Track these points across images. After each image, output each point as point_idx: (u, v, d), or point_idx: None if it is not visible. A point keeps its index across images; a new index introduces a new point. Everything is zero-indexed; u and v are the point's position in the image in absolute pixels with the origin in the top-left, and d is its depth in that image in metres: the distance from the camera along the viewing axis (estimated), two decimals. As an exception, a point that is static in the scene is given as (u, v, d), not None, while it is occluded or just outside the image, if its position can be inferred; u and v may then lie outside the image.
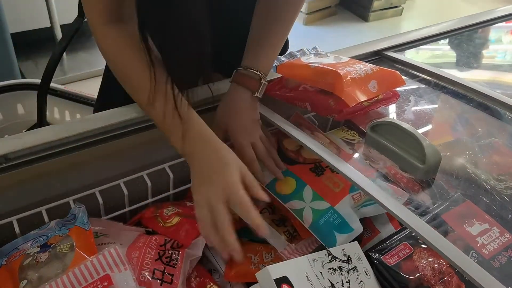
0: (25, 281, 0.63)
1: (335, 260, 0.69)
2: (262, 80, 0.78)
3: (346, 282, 0.67)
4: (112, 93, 1.00)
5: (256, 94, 0.78)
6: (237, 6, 0.91)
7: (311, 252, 0.77)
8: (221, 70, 0.99)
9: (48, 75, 1.32)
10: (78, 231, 0.69)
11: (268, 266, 0.62)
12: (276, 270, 0.63)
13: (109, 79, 1.02)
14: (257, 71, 0.77)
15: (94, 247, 0.67)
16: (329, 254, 0.70)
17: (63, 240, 0.67)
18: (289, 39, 1.09)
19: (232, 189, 0.62)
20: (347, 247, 0.72)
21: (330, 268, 0.68)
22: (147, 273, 0.65)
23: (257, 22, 0.80)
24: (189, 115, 0.65)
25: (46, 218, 0.73)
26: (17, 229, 0.72)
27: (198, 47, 0.63)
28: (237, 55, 0.93)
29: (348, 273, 0.68)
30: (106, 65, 0.64)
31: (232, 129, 0.75)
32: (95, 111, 1.10)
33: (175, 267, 0.68)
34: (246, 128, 0.76)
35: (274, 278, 0.61)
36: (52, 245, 0.67)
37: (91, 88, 1.10)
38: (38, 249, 0.67)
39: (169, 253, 0.70)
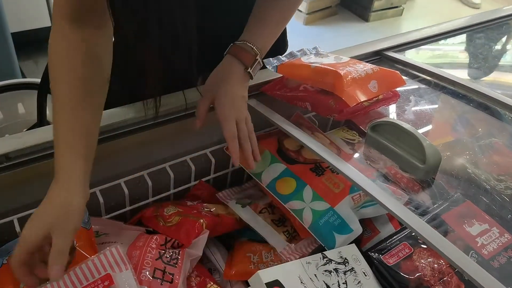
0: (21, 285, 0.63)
1: (331, 263, 0.69)
2: (257, 57, 0.76)
3: (343, 283, 0.67)
4: (109, 92, 1.01)
5: (248, 70, 0.76)
6: (235, 7, 0.91)
7: (311, 253, 0.77)
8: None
9: (48, 75, 1.32)
10: (79, 230, 0.69)
11: (259, 271, 0.63)
12: (267, 274, 0.63)
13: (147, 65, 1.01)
14: (253, 46, 0.75)
15: (95, 246, 0.67)
16: (324, 257, 0.70)
17: None
18: (289, 39, 1.10)
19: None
20: (344, 250, 0.73)
21: (325, 271, 0.68)
22: (147, 273, 0.65)
23: (261, 1, 0.79)
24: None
25: (46, 218, 0.73)
26: (17, 228, 0.72)
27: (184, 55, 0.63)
28: None
29: (344, 274, 0.68)
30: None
31: (220, 99, 0.73)
32: None
33: (176, 267, 0.68)
34: (233, 102, 0.74)
35: (265, 282, 0.62)
36: None
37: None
38: None
39: (169, 252, 0.70)
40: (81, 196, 0.60)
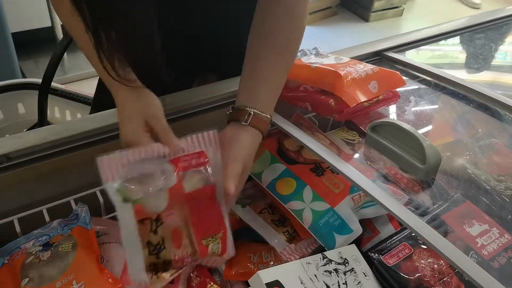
0: (26, 279, 0.63)
1: (331, 263, 0.69)
2: (270, 121, 0.74)
3: (343, 283, 0.67)
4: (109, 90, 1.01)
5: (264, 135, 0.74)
6: (229, 7, 0.92)
7: (311, 253, 0.77)
8: (215, 71, 1.01)
9: (49, 75, 1.32)
10: (80, 230, 0.69)
11: (259, 271, 0.63)
12: (267, 274, 0.63)
13: None
14: (268, 115, 0.72)
15: (96, 247, 0.67)
16: (324, 257, 0.70)
17: (65, 239, 0.68)
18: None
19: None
20: (344, 250, 0.73)
21: (325, 271, 0.68)
22: (147, 273, 0.65)
23: (259, 60, 0.75)
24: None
25: (47, 218, 0.73)
26: (18, 228, 0.72)
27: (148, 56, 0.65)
28: (229, 56, 0.94)
29: (345, 275, 0.68)
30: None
31: (248, 168, 0.71)
32: (92, 109, 1.10)
33: (176, 267, 0.68)
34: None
35: (266, 282, 0.62)
36: (54, 244, 0.67)
37: (92, 88, 1.10)
38: (40, 248, 0.67)
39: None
40: (145, 91, 0.67)
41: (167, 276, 0.60)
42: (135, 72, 0.68)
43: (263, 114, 0.71)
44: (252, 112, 0.70)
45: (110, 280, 0.63)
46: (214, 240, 0.63)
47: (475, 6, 4.33)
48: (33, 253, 0.66)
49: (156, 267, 0.60)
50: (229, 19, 0.92)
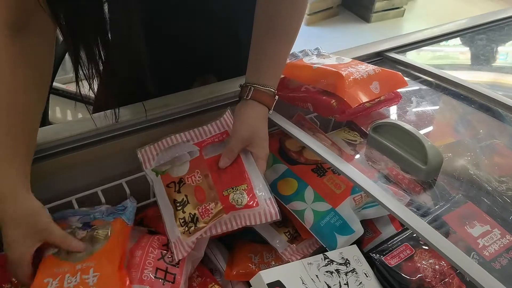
0: (55, 250, 0.66)
1: (332, 263, 0.69)
2: (276, 97, 0.80)
3: (345, 284, 0.67)
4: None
5: (271, 111, 0.79)
6: (227, 10, 0.92)
7: (312, 253, 0.77)
8: (214, 72, 1.02)
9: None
10: (120, 224, 0.70)
11: (260, 271, 0.63)
12: (268, 274, 0.63)
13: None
14: (273, 89, 0.78)
15: (126, 245, 0.68)
16: (326, 258, 0.70)
17: (103, 227, 0.69)
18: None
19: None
20: (345, 251, 0.73)
21: (326, 271, 0.68)
22: (149, 272, 0.65)
23: (262, 40, 0.80)
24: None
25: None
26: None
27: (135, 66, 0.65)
28: (228, 58, 0.95)
29: (346, 275, 0.68)
30: (104, 64, 0.64)
31: (259, 142, 0.77)
32: (94, 110, 1.10)
33: (178, 267, 0.68)
34: (267, 142, 0.78)
35: (267, 282, 0.62)
36: (93, 227, 0.69)
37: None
38: (80, 226, 0.70)
39: (171, 252, 0.70)
40: (31, 198, 0.65)
41: (197, 229, 0.69)
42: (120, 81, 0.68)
43: (264, 88, 0.77)
44: (252, 87, 0.77)
45: (125, 281, 0.63)
46: (236, 190, 0.71)
47: None
48: (72, 227, 0.69)
49: (185, 222, 0.70)
50: (220, 20, 0.93)
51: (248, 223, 0.71)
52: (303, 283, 0.64)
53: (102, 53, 0.60)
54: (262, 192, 0.72)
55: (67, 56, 2.88)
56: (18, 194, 0.63)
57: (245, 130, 0.75)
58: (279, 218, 0.71)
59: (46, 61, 0.69)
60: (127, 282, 0.62)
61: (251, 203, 0.70)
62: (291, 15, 0.78)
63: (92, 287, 0.61)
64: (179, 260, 0.69)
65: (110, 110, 0.74)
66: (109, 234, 0.67)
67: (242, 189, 0.71)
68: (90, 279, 0.62)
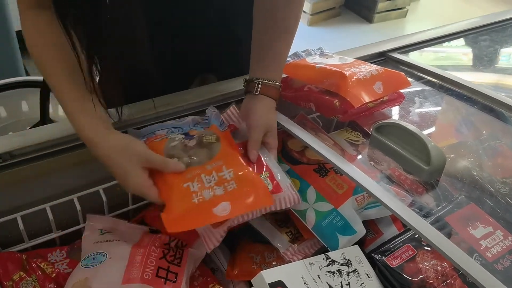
0: (176, 159, 0.68)
1: (334, 264, 0.69)
2: (280, 88, 0.83)
3: (346, 284, 0.67)
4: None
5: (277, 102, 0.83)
6: (226, 10, 0.92)
7: (314, 254, 0.77)
8: (214, 72, 1.02)
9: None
10: (216, 130, 0.74)
11: (262, 271, 0.63)
12: (270, 274, 0.63)
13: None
14: (278, 83, 0.81)
15: (235, 144, 0.73)
16: (327, 258, 0.69)
17: (207, 133, 0.72)
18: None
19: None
20: (347, 251, 0.72)
21: (328, 271, 0.67)
22: (151, 271, 0.65)
23: (264, 37, 0.82)
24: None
25: (50, 215, 0.74)
26: (21, 226, 0.72)
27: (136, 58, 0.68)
28: (228, 57, 0.95)
29: (348, 275, 0.68)
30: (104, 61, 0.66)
31: (273, 130, 0.80)
32: None
33: (179, 266, 0.68)
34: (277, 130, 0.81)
35: (269, 282, 0.62)
36: (195, 136, 0.71)
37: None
38: (183, 136, 0.72)
39: (173, 252, 0.70)
40: (116, 133, 0.68)
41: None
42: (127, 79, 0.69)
43: (271, 83, 0.80)
44: (260, 83, 0.79)
45: (255, 172, 0.68)
46: (265, 178, 0.73)
47: None
48: (176, 139, 0.71)
49: None
50: (219, 19, 0.93)
51: (273, 209, 0.73)
52: (304, 283, 0.64)
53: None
54: (282, 178, 0.75)
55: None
56: (104, 135, 0.66)
57: (262, 122, 0.77)
58: (300, 202, 0.76)
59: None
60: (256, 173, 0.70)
61: (276, 189, 0.72)
62: (289, 8, 0.80)
63: (232, 181, 0.66)
64: (181, 260, 0.69)
65: (113, 109, 0.75)
66: (218, 137, 0.71)
67: (266, 176, 0.73)
68: (227, 175, 0.66)
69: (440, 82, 1.02)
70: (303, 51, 0.95)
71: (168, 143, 0.71)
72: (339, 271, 0.68)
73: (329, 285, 0.65)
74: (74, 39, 0.62)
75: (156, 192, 0.65)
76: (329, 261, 0.69)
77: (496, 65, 1.27)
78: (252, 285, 0.65)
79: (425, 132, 0.84)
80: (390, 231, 0.83)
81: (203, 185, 0.65)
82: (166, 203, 0.64)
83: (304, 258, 0.70)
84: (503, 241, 0.67)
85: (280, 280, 0.63)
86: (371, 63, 0.89)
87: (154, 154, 0.67)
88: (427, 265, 0.71)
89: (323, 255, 0.70)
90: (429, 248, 0.74)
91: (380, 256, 0.73)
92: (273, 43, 0.81)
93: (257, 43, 0.81)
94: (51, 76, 0.68)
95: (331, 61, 0.87)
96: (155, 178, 0.67)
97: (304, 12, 3.70)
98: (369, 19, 3.92)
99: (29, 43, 0.68)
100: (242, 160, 0.70)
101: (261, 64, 0.81)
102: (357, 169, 0.70)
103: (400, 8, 4.00)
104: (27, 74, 2.48)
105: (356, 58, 0.91)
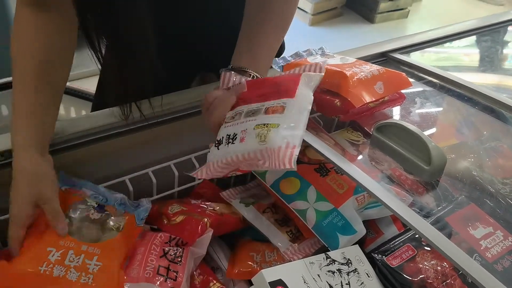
0: (67, 220, 0.66)
1: (334, 263, 0.69)
2: None
3: (346, 284, 0.67)
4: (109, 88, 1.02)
5: None
6: (227, 7, 0.92)
7: (314, 253, 0.77)
8: (214, 71, 1.01)
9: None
10: (131, 220, 0.70)
11: (262, 270, 0.63)
12: (270, 273, 0.63)
13: (105, 74, 1.03)
14: (256, 73, 0.78)
15: (132, 245, 0.68)
16: (327, 257, 0.70)
17: (118, 217, 0.69)
18: (294, 40, 1.10)
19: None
20: (347, 250, 0.72)
21: (328, 271, 0.68)
22: (152, 270, 0.66)
23: (256, 29, 0.80)
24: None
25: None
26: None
27: (144, 52, 0.67)
28: (229, 56, 0.95)
29: (348, 275, 0.68)
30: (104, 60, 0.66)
31: None
32: (93, 107, 1.11)
33: (180, 264, 0.69)
34: None
35: (269, 281, 0.62)
36: (107, 213, 0.69)
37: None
38: (96, 206, 0.69)
39: (174, 250, 0.70)
40: (46, 161, 0.67)
41: None
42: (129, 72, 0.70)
43: (249, 71, 0.77)
44: (255, 76, 0.77)
45: (122, 282, 0.62)
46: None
47: (498, 3, 4.33)
48: (88, 203, 0.69)
49: None
50: (220, 17, 0.93)
51: None
52: (304, 282, 0.64)
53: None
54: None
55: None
56: (31, 150, 0.65)
57: None
58: None
59: (67, 35, 0.71)
60: (124, 284, 0.62)
61: None
62: (287, 4, 0.79)
63: (91, 275, 0.60)
64: (182, 258, 0.69)
65: (116, 108, 0.75)
66: (122, 227, 0.67)
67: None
68: (92, 266, 0.61)
69: (441, 83, 1.02)
70: (304, 51, 0.94)
71: (78, 203, 0.69)
72: (339, 270, 0.68)
73: (329, 284, 0.66)
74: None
75: (15, 233, 0.62)
76: (329, 261, 0.69)
77: (497, 66, 1.27)
78: (252, 284, 0.65)
79: (426, 132, 0.84)
80: (390, 231, 0.83)
81: (63, 260, 0.61)
82: (20, 253, 0.62)
83: (304, 258, 0.70)
84: (503, 241, 0.67)
85: (280, 279, 0.63)
86: (372, 63, 0.89)
87: (57, 201, 0.65)
88: (427, 265, 0.71)
89: (323, 255, 0.70)
90: (429, 248, 0.74)
91: (380, 255, 0.73)
92: (266, 37, 0.79)
93: (248, 33, 0.80)
94: (21, 74, 0.67)
95: (332, 61, 0.87)
96: (37, 220, 0.65)
97: (306, 12, 3.70)
98: (370, 20, 3.92)
99: (15, 36, 0.68)
100: (121, 262, 0.65)
101: (254, 56, 0.79)
102: (357, 169, 0.70)
103: (402, 9, 4.00)
104: (29, 73, 2.48)
105: (357, 58, 0.91)
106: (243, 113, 0.68)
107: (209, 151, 0.68)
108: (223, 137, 0.66)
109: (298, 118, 0.65)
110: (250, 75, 0.77)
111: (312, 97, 0.69)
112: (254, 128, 0.64)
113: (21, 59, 0.67)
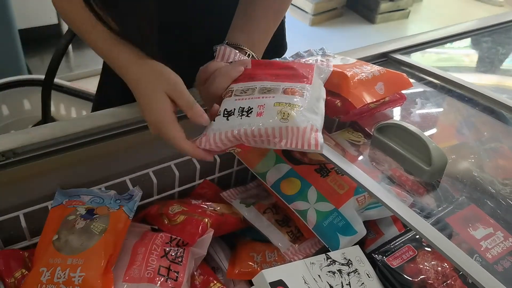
0: (56, 236, 0.66)
1: (334, 264, 0.69)
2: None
3: (347, 284, 0.67)
4: (110, 87, 1.01)
5: None
6: (227, 5, 0.92)
7: (314, 253, 0.77)
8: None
9: (52, 70, 1.31)
10: (119, 215, 0.70)
11: (263, 270, 0.63)
12: (271, 273, 0.63)
13: (106, 73, 1.03)
14: (250, 51, 0.79)
15: (122, 238, 0.68)
16: (328, 258, 0.70)
17: (101, 218, 0.68)
18: (294, 40, 1.10)
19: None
20: (348, 251, 0.73)
21: (329, 271, 0.68)
22: (152, 270, 0.66)
23: (253, 5, 0.81)
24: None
25: (52, 213, 0.74)
26: (23, 224, 0.72)
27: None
28: None
29: (348, 275, 0.68)
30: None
31: None
32: (94, 107, 1.11)
33: (181, 265, 0.69)
34: None
35: (269, 281, 0.62)
36: (94, 216, 0.69)
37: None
38: (84, 213, 0.69)
39: (174, 250, 0.70)
40: (156, 63, 0.67)
41: None
42: None
43: (243, 47, 0.78)
44: (251, 54, 0.77)
45: (102, 285, 0.62)
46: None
47: (497, 4, 4.34)
48: (76, 213, 0.68)
49: None
50: (220, 16, 0.93)
51: None
52: (305, 282, 0.64)
53: None
54: None
55: (72, 52, 2.89)
56: (137, 59, 0.66)
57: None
58: None
59: None
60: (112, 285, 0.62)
61: None
62: None
63: (77, 287, 0.60)
64: (182, 258, 0.69)
65: (116, 108, 0.75)
66: (106, 228, 0.67)
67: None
68: (76, 279, 0.61)
69: (442, 83, 1.02)
70: (305, 52, 0.95)
71: (67, 216, 0.69)
72: (339, 271, 0.68)
73: (329, 284, 0.66)
74: None
75: (184, 139, 0.64)
76: (330, 261, 0.69)
77: (497, 67, 1.27)
78: (252, 284, 0.65)
79: (426, 133, 0.85)
80: (391, 231, 0.83)
81: (52, 278, 0.61)
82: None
83: (305, 258, 0.70)
84: (504, 242, 0.67)
85: (281, 280, 0.63)
86: (373, 64, 0.89)
87: (187, 92, 0.65)
88: (428, 266, 0.71)
89: (323, 255, 0.70)
90: (429, 249, 0.74)
91: (380, 256, 0.73)
92: (263, 17, 0.80)
93: (244, 11, 0.80)
94: (82, 23, 0.68)
95: (333, 62, 0.87)
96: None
97: (306, 12, 3.70)
98: (371, 20, 3.92)
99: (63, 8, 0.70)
100: (104, 267, 0.63)
101: (250, 36, 0.79)
102: (358, 170, 0.70)
103: (403, 9, 4.01)
104: (30, 73, 2.49)
105: (358, 59, 0.91)
106: (257, 89, 0.66)
107: (213, 121, 0.66)
108: (234, 109, 0.64)
109: (317, 105, 0.65)
110: (246, 53, 0.77)
111: (325, 89, 0.69)
112: (274, 105, 0.62)
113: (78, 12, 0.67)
